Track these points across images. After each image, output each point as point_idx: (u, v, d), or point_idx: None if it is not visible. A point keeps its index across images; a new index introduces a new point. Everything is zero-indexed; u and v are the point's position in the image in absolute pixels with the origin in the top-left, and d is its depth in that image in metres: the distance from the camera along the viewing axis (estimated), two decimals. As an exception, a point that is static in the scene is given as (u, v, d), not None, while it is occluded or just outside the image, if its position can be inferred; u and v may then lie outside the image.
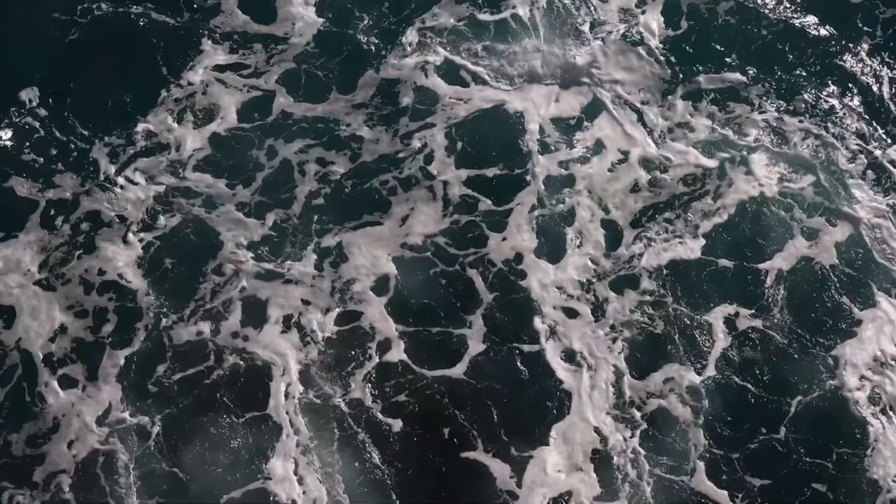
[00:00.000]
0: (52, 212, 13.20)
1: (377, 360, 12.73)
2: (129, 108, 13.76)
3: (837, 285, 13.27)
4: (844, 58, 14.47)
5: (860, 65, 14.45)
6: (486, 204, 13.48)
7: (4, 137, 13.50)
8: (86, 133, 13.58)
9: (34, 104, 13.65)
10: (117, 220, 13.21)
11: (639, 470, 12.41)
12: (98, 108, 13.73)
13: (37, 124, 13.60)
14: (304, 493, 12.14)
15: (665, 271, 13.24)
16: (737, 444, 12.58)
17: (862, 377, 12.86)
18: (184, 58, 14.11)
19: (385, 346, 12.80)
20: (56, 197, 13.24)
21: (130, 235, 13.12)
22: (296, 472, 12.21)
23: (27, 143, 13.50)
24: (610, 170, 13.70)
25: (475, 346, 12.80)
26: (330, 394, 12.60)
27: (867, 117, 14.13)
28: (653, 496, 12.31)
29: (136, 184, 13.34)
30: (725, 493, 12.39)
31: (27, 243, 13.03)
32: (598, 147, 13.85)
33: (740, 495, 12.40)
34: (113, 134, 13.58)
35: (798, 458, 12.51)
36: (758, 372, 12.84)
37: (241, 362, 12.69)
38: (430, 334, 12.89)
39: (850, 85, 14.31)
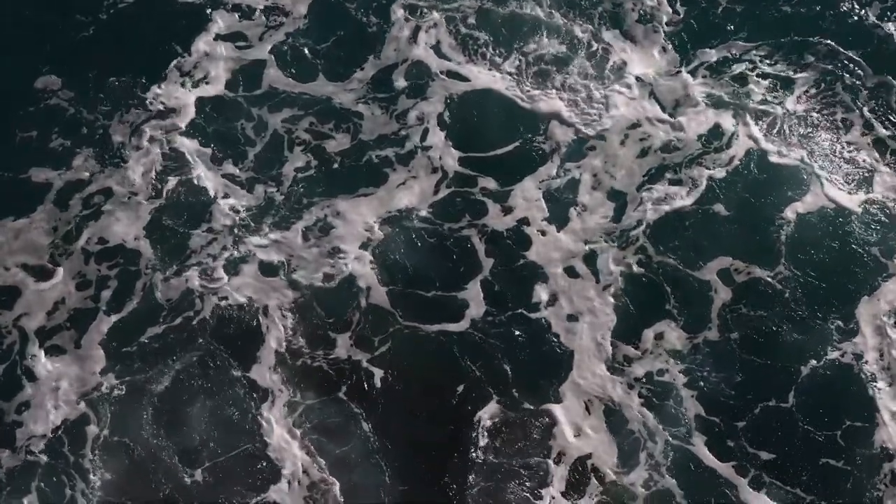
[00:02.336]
0: (64, 189, 13.19)
1: (367, 317, 12.63)
2: (137, 82, 13.79)
3: (852, 241, 12.94)
4: (853, 17, 14.26)
5: (871, 23, 14.22)
6: (487, 179, 13.35)
7: (23, 124, 13.54)
8: (96, 109, 13.58)
9: (53, 89, 13.71)
10: (120, 189, 13.22)
11: (650, 434, 12.10)
12: (107, 84, 13.76)
13: (53, 107, 13.62)
14: (293, 454, 11.98)
15: (670, 231, 13.04)
16: (743, 413, 12.18)
17: (877, 337, 12.45)
18: (191, 33, 14.13)
19: (375, 305, 12.68)
20: (66, 176, 13.26)
21: (133, 204, 13.13)
22: (284, 434, 12.04)
23: (43, 127, 13.53)
24: (619, 138, 13.54)
25: (476, 307, 12.63)
26: (319, 351, 12.45)
27: (880, 76, 13.87)
28: (662, 462, 11.96)
29: (142, 153, 13.36)
30: (730, 464, 12.00)
31: (36, 220, 13.07)
32: (605, 116, 13.67)
33: (747, 467, 11.98)
34: (121, 109, 13.61)
35: (806, 429, 12.07)
36: (767, 334, 12.49)
37: (229, 323, 12.61)
38: (425, 297, 12.75)
39: (860, 40, 14.09)
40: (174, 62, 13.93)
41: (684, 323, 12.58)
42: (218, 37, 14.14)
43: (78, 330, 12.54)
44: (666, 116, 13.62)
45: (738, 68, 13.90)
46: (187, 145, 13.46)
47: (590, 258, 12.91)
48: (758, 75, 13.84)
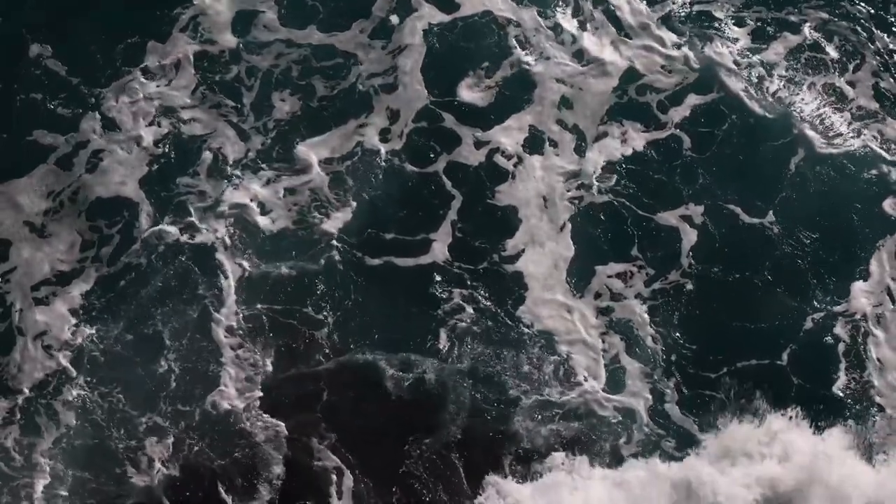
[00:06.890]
0: (59, 149, 13.11)
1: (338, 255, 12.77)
2: (132, 39, 13.64)
3: (841, 191, 12.95)
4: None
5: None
6: (452, 119, 13.35)
7: (19, 87, 13.38)
8: (87, 70, 13.45)
9: (46, 55, 13.50)
10: (114, 146, 13.16)
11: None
12: (98, 43, 13.62)
13: (45, 70, 13.47)
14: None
15: (648, 171, 13.11)
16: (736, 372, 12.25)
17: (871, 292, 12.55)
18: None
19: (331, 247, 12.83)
20: (62, 136, 13.19)
21: (124, 159, 13.08)
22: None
23: (38, 90, 13.37)
24: (593, 76, 13.56)
25: (440, 248, 12.79)
26: (278, 272, 12.68)
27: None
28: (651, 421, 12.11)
29: (134, 107, 13.28)
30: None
31: (30, 182, 12.99)
32: (581, 55, 13.69)
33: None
34: (113, 66, 13.48)
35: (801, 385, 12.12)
36: (760, 286, 12.55)
37: (204, 265, 12.73)
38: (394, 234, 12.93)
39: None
40: (170, 16, 13.77)
41: (672, 267, 12.71)
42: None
43: (66, 283, 12.60)
44: (644, 57, 13.66)
45: (717, 10, 13.89)
46: (180, 96, 13.42)
47: (554, 198, 12.98)
48: (734, 22, 13.81)
